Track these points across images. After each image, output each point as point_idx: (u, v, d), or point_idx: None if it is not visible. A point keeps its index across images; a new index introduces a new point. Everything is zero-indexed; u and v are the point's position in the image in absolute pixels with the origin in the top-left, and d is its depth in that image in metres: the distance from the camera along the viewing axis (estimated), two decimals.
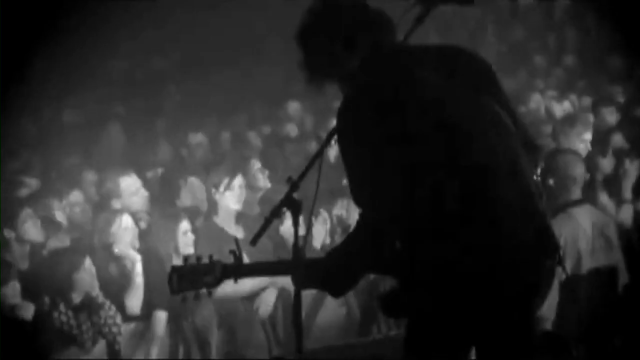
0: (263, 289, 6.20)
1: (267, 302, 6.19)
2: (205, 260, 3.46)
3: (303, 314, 5.76)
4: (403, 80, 3.14)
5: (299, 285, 3.37)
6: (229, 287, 5.78)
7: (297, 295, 3.42)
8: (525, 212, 3.08)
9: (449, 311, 3.08)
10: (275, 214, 3.48)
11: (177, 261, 5.90)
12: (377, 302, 3.25)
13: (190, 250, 6.01)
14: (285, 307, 6.11)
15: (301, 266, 3.36)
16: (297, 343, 3.43)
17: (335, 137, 3.22)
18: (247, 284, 6.10)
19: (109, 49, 9.93)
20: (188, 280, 3.42)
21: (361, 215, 3.23)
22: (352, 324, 6.15)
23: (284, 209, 3.46)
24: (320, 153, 3.48)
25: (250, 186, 6.96)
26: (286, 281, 5.67)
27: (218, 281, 3.44)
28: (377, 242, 3.17)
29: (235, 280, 3.47)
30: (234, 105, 9.73)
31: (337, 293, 3.38)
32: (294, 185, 3.46)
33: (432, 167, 3.04)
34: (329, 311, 6.21)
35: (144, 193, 6.62)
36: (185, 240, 6.03)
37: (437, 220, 3.03)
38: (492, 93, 3.23)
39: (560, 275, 3.38)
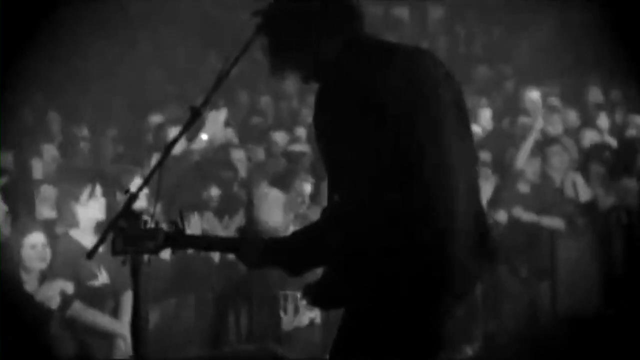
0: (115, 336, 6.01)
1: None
2: (151, 223, 3.36)
3: (156, 323, 5.69)
4: (385, 79, 3.10)
5: (251, 263, 3.32)
6: (84, 313, 5.72)
7: (136, 302, 3.37)
8: (473, 219, 3.18)
9: (391, 299, 3.06)
10: (112, 226, 3.39)
11: (27, 278, 5.78)
12: (305, 292, 3.20)
13: (42, 265, 5.80)
14: None
15: (256, 243, 3.32)
16: (134, 353, 3.37)
17: (315, 123, 3.16)
18: (101, 319, 5.96)
19: None
20: (131, 243, 3.31)
21: (334, 204, 3.15)
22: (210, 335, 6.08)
23: (122, 221, 3.39)
24: (160, 164, 3.43)
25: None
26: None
27: (159, 248, 3.34)
28: (342, 231, 3.11)
29: (173, 251, 3.42)
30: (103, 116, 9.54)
31: (296, 273, 3.29)
32: (132, 197, 3.39)
33: (400, 167, 3.05)
34: (189, 322, 6.13)
35: (2, 207, 6.33)
36: (34, 255, 5.79)
37: (397, 216, 3.04)
38: (460, 106, 3.26)
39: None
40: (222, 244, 3.70)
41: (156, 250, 3.36)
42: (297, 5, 3.23)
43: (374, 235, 3.06)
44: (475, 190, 3.28)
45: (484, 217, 3.32)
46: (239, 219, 6.56)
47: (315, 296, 3.22)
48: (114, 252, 3.34)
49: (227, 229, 6.65)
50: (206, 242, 3.75)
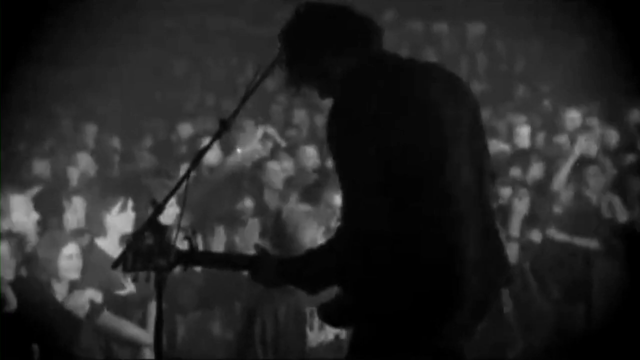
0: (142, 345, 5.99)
1: None
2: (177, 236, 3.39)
3: (183, 339, 5.69)
4: (393, 96, 3.14)
5: (265, 280, 3.33)
6: (112, 322, 5.75)
7: (159, 314, 3.36)
8: (483, 233, 3.18)
9: (400, 317, 3.07)
10: (138, 238, 3.42)
11: (58, 287, 5.80)
12: (319, 311, 3.22)
13: (75, 275, 5.82)
14: None
15: (269, 261, 3.33)
16: None
17: (327, 140, 3.20)
18: (129, 328, 5.96)
19: None
20: (142, 261, 3.34)
21: (343, 220, 3.19)
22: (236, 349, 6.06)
23: (147, 232, 3.41)
24: (186, 176, 3.45)
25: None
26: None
27: (171, 266, 3.37)
28: (350, 246, 3.13)
29: (185, 269, 3.41)
30: (133, 122, 9.62)
31: (311, 291, 3.30)
32: (158, 208, 3.41)
33: (407, 184, 3.08)
34: (216, 335, 6.13)
35: (35, 216, 6.38)
36: (68, 265, 5.81)
37: (404, 231, 3.07)
38: (476, 128, 3.27)
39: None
40: (234, 262, 3.66)
41: (169, 268, 3.36)
42: (312, 22, 3.29)
43: (381, 249, 3.07)
44: (487, 208, 3.27)
45: (497, 233, 3.31)
46: (269, 233, 6.55)
47: (327, 313, 3.23)
48: (124, 269, 3.36)
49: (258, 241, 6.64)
50: (218, 260, 3.74)
